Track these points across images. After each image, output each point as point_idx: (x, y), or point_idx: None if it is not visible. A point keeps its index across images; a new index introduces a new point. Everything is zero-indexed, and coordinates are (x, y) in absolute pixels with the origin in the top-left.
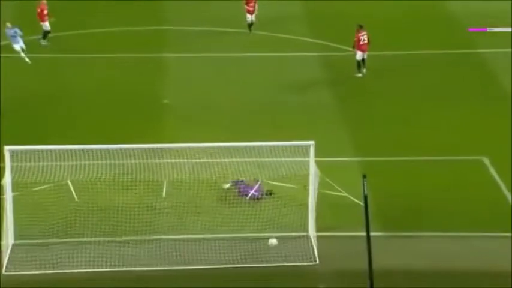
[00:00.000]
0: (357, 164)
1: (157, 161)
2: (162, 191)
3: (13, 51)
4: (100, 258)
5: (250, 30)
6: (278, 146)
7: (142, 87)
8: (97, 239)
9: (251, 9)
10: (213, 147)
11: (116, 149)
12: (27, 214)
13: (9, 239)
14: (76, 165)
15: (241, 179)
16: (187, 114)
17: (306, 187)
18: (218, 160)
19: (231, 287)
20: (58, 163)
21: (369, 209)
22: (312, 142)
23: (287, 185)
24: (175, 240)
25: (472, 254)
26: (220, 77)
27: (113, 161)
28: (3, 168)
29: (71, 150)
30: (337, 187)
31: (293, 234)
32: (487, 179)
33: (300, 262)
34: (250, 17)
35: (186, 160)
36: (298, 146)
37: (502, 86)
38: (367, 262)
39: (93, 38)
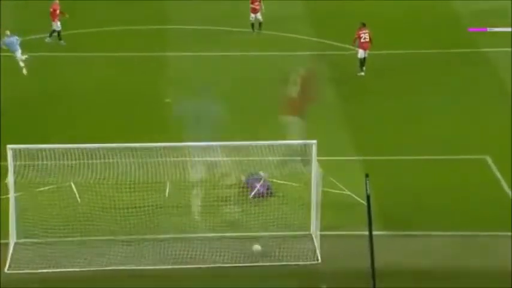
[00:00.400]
0: (359, 163)
1: (159, 159)
2: (165, 191)
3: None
4: (101, 258)
5: (253, 29)
6: (280, 145)
7: (144, 87)
8: (98, 238)
9: (256, 8)
10: (214, 147)
11: (119, 148)
12: (29, 213)
13: (11, 238)
14: (77, 165)
15: (259, 172)
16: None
17: (307, 184)
18: (220, 159)
19: (233, 286)
20: (60, 162)
21: (372, 208)
22: (314, 141)
23: (290, 183)
24: (176, 239)
25: (476, 253)
26: (222, 76)
27: (115, 160)
28: (3, 167)
29: (72, 149)
30: (340, 185)
31: (295, 233)
32: (490, 178)
33: (302, 261)
34: (254, 16)
35: (188, 159)
36: (300, 145)
37: (505, 84)
38: (369, 261)
39: (94, 37)
